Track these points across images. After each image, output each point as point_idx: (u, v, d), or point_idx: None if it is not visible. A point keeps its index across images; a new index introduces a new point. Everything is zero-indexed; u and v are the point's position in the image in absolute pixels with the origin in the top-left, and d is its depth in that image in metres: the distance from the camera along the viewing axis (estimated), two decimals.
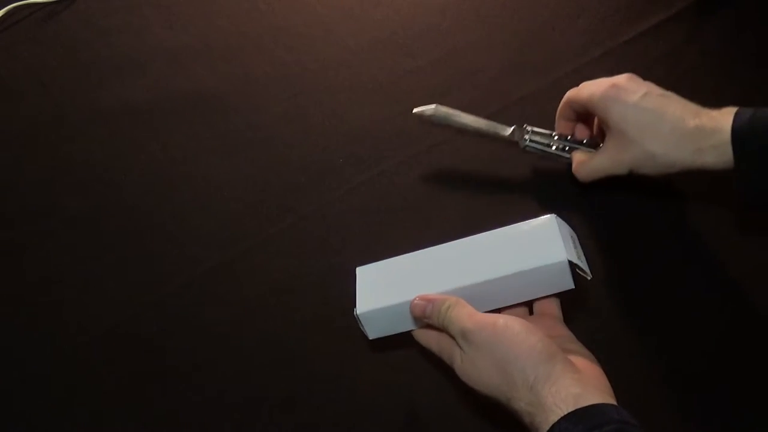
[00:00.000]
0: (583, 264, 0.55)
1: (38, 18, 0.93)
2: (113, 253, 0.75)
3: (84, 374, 0.68)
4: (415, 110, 0.75)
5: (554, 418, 0.47)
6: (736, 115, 0.59)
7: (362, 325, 0.59)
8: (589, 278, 0.55)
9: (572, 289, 0.56)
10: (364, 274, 0.61)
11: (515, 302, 0.58)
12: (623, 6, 0.87)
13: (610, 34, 0.85)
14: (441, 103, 0.74)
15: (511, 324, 0.51)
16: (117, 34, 0.91)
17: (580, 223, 0.72)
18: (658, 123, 0.62)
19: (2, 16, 0.92)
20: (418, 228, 0.74)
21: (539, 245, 0.56)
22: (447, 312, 0.54)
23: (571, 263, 0.54)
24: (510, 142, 0.74)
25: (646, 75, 0.66)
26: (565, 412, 0.47)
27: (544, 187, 0.75)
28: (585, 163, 0.69)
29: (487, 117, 0.78)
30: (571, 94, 0.70)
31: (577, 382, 0.49)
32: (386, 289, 0.59)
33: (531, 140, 0.73)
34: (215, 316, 0.71)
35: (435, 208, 0.75)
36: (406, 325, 0.59)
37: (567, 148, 0.73)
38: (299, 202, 0.77)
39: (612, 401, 0.49)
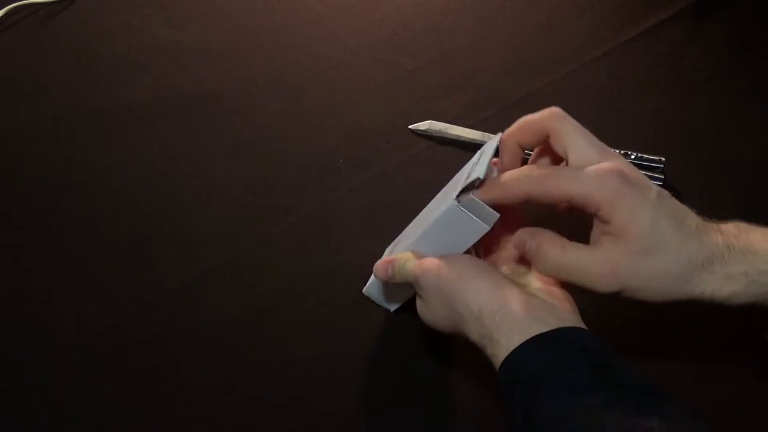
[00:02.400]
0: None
1: (38, 18, 0.93)
2: (113, 253, 0.75)
3: (84, 374, 0.68)
4: (410, 126, 0.80)
5: (507, 348, 0.47)
6: None
7: (378, 302, 0.66)
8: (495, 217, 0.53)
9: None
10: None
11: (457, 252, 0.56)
12: (623, 6, 0.87)
13: (610, 34, 0.85)
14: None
15: (455, 262, 0.53)
16: (117, 34, 0.91)
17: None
18: (681, 236, 0.47)
19: (2, 16, 0.92)
20: None
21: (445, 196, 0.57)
22: (404, 266, 0.56)
23: (467, 207, 0.52)
24: None
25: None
26: (518, 343, 0.46)
27: None
28: (557, 253, 0.50)
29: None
30: (544, 179, 0.50)
31: (526, 309, 0.48)
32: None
33: None
34: (215, 316, 0.71)
35: None
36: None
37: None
38: (299, 202, 0.77)
39: (577, 325, 0.48)
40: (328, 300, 0.70)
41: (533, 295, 0.51)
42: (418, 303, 0.57)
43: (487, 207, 0.52)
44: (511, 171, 0.52)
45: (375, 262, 0.61)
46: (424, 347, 0.67)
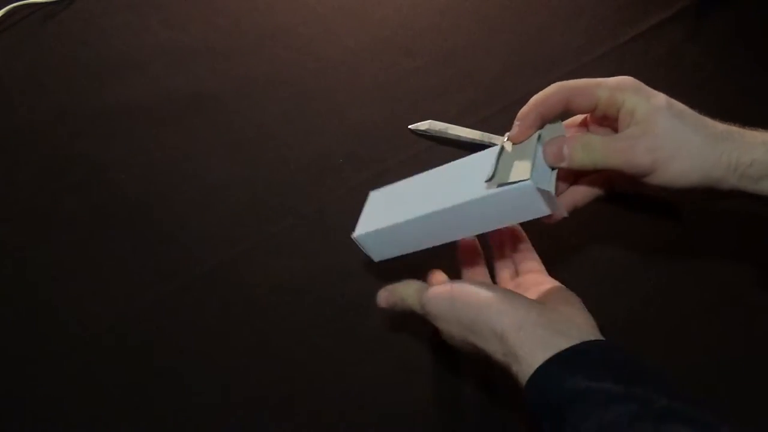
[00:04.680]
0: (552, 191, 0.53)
1: (38, 18, 0.93)
2: (113, 253, 0.75)
3: (84, 374, 0.68)
4: (410, 126, 0.80)
5: (531, 365, 0.47)
6: None
7: (363, 249, 0.60)
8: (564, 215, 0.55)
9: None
10: (374, 197, 0.63)
11: (492, 228, 0.55)
12: (623, 6, 0.88)
13: (610, 34, 0.85)
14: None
15: (467, 286, 0.53)
16: (117, 34, 0.91)
17: (577, 217, 0.72)
18: (697, 117, 0.54)
19: (2, 16, 0.92)
20: None
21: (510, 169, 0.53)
22: (404, 299, 0.57)
23: (540, 190, 0.51)
24: None
25: (646, 75, 0.66)
26: (542, 360, 0.47)
27: None
28: (592, 141, 0.54)
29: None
30: (571, 90, 0.55)
31: (547, 323, 0.49)
32: (385, 211, 0.60)
33: None
34: (215, 316, 0.71)
35: None
36: (405, 247, 0.59)
37: None
38: (299, 202, 0.77)
39: (596, 337, 0.49)
40: (328, 300, 0.70)
41: (551, 309, 0.51)
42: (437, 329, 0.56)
43: (555, 199, 0.53)
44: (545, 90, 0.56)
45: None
46: (425, 347, 0.67)
